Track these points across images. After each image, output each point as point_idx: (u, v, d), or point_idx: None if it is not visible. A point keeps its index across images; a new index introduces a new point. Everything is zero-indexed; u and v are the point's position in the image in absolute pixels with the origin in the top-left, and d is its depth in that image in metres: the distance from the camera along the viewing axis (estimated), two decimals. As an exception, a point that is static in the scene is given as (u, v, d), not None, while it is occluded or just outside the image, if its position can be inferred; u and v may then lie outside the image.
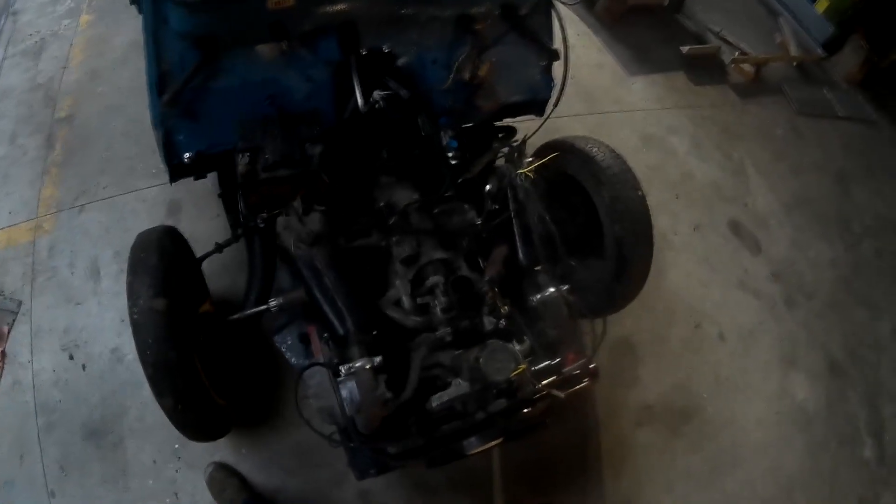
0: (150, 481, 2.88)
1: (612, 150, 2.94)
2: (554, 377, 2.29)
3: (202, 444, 2.84)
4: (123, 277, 3.13)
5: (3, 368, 3.10)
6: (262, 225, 2.48)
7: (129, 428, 2.98)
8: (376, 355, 2.14)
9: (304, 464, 2.98)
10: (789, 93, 5.74)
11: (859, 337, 4.11)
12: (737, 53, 5.71)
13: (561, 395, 2.25)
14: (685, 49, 5.54)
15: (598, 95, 4.99)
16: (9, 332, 3.19)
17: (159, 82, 2.35)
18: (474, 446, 2.18)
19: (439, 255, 2.48)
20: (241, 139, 2.41)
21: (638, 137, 4.77)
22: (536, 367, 2.27)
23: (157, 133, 2.46)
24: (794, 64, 6.11)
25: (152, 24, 2.31)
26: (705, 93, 5.46)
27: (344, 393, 2.09)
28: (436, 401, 2.15)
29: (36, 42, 4.47)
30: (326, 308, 2.28)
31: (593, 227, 2.95)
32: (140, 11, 2.66)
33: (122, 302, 3.13)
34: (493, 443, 2.21)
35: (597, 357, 2.51)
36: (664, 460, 3.31)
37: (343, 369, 2.09)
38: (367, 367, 2.09)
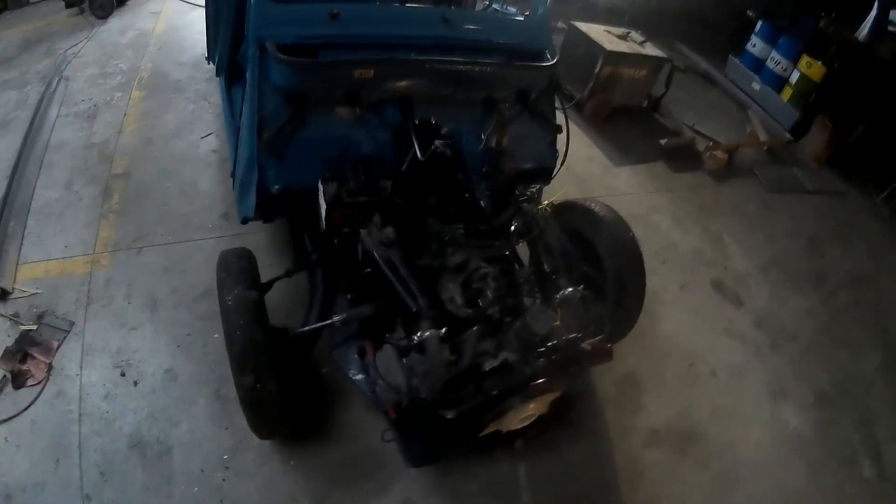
0: (196, 489, 2.99)
1: (607, 205, 3.60)
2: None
3: (251, 455, 3.08)
4: (181, 310, 3.61)
5: (47, 379, 3.27)
6: (337, 245, 3.02)
7: (179, 440, 3.13)
8: (441, 328, 2.49)
9: (350, 474, 3.15)
10: (760, 174, 6.38)
11: (845, 372, 4.39)
12: (710, 143, 6.38)
13: (588, 347, 2.62)
14: (663, 141, 6.28)
15: (590, 183, 5.63)
16: (58, 348, 3.40)
17: (259, 125, 2.96)
18: (525, 400, 2.49)
19: (483, 265, 2.89)
20: (329, 171, 3.00)
21: (625, 215, 5.18)
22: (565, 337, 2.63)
23: (247, 171, 3.13)
24: (765, 148, 6.80)
25: (257, 78, 2.95)
26: (683, 178, 6.10)
27: (411, 363, 2.45)
28: (488, 366, 2.51)
29: (89, 107, 5.06)
30: (402, 292, 2.65)
31: (595, 275, 3.45)
32: (218, 72, 3.76)
33: (179, 330, 3.54)
34: (542, 396, 2.54)
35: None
36: (675, 477, 3.50)
37: (416, 337, 2.44)
38: (436, 335, 2.44)
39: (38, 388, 3.23)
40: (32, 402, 3.17)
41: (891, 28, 6.76)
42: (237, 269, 2.84)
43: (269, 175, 3.04)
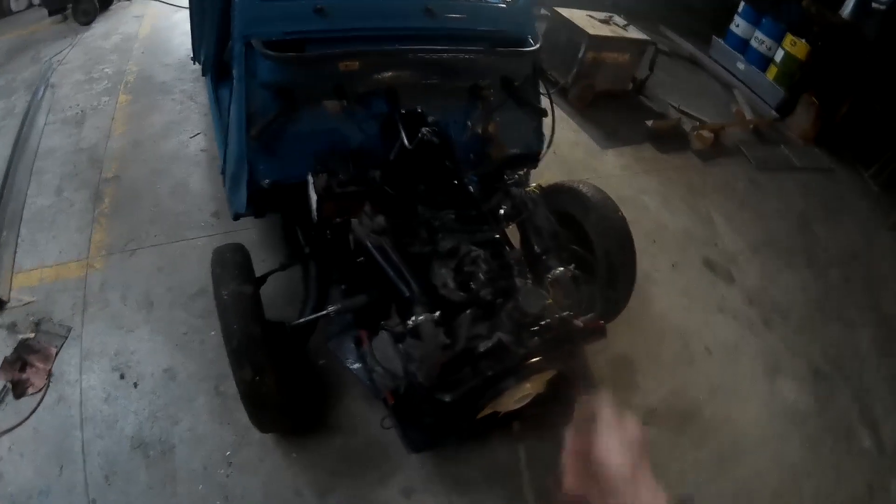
0: (200, 486, 2.98)
1: (595, 186, 3.63)
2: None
3: (253, 450, 3.09)
4: (177, 309, 3.58)
5: (48, 386, 3.26)
6: (329, 237, 3.05)
7: (180, 437, 3.13)
8: (435, 312, 2.53)
9: (351, 466, 3.17)
10: (748, 153, 6.44)
11: (838, 347, 4.46)
12: (696, 123, 6.41)
13: (581, 324, 2.64)
14: (649, 123, 6.31)
15: (576, 167, 5.64)
16: (56, 354, 3.39)
17: (247, 121, 2.99)
18: (520, 379, 2.51)
19: (474, 249, 2.92)
20: (318, 164, 3.04)
21: (614, 197, 5.25)
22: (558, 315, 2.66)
23: (237, 167, 3.16)
24: (751, 127, 6.84)
25: (244, 74, 2.98)
26: (670, 160, 6.14)
27: (407, 348, 2.48)
28: (483, 347, 2.52)
29: (76, 113, 5.08)
30: (395, 278, 2.69)
31: (586, 255, 3.51)
32: (204, 72, 3.81)
33: (176, 329, 3.54)
34: (538, 375, 2.56)
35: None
36: (674, 454, 3.53)
37: (410, 322, 2.48)
38: (430, 319, 2.48)
39: (39, 395, 3.23)
40: (34, 410, 3.16)
41: (874, 5, 6.79)
42: (232, 264, 2.87)
43: (258, 170, 3.08)
